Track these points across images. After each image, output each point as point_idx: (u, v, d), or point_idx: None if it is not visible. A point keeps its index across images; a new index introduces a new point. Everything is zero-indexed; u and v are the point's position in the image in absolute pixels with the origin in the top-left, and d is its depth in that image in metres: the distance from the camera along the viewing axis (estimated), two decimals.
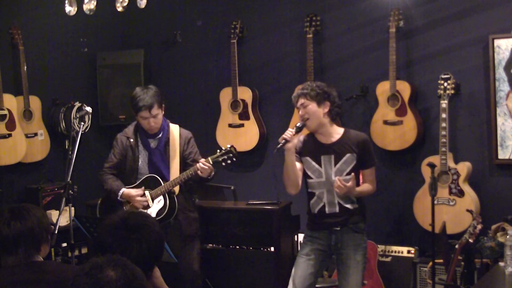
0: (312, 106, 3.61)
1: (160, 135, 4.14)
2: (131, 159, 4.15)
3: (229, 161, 3.92)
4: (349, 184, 3.53)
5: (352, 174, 3.57)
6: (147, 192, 4.06)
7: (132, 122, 4.28)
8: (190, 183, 4.23)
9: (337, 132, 3.69)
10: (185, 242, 4.14)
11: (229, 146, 3.93)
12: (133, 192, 4.06)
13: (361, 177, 3.73)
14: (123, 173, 4.19)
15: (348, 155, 3.61)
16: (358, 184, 3.68)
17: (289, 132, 3.57)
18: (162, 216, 3.99)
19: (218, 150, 3.94)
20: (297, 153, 3.69)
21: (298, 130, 3.60)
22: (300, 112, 3.66)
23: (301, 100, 3.64)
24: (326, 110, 3.62)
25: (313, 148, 3.68)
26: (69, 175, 3.84)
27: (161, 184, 4.03)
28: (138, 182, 4.11)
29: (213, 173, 4.00)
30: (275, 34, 5.40)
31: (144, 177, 4.11)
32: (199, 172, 3.92)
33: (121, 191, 4.07)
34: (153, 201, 4.04)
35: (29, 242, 2.47)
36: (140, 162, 4.15)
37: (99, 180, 4.22)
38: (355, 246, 3.64)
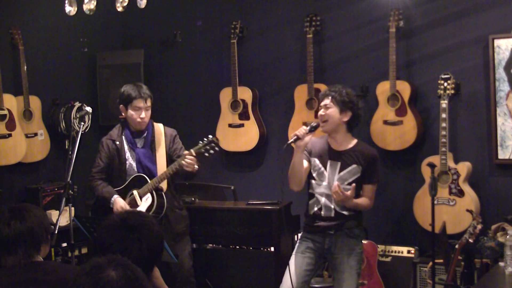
0: (334, 110, 3.62)
1: (145, 134, 4.16)
2: (117, 161, 4.15)
3: (211, 151, 3.88)
4: (348, 193, 3.53)
5: (353, 184, 3.57)
6: (135, 191, 4.07)
7: (116, 125, 4.28)
8: (175, 182, 4.23)
9: (350, 142, 3.70)
10: (175, 240, 4.15)
11: (211, 136, 3.91)
12: (121, 204, 4.04)
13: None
14: (111, 176, 4.19)
15: (354, 165, 3.62)
16: (358, 197, 3.68)
17: (303, 130, 3.56)
18: (150, 213, 3.97)
19: (200, 142, 3.93)
20: (307, 152, 3.70)
21: (312, 129, 3.61)
22: (320, 112, 3.67)
23: (326, 100, 3.65)
24: (346, 119, 3.63)
25: (322, 151, 3.70)
26: (69, 175, 3.83)
27: (148, 182, 4.04)
28: (126, 183, 4.12)
29: (196, 166, 3.95)
30: (275, 34, 5.40)
31: (132, 177, 4.11)
32: (184, 165, 3.87)
33: (112, 199, 4.07)
34: (141, 199, 4.04)
35: (29, 242, 2.47)
36: (128, 164, 4.15)
37: (89, 187, 4.22)
38: (349, 251, 3.63)
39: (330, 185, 3.63)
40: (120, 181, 4.15)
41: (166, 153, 4.15)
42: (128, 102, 4.08)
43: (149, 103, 4.09)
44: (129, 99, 4.07)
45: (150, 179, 4.04)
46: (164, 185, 4.08)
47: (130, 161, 4.15)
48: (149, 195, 4.04)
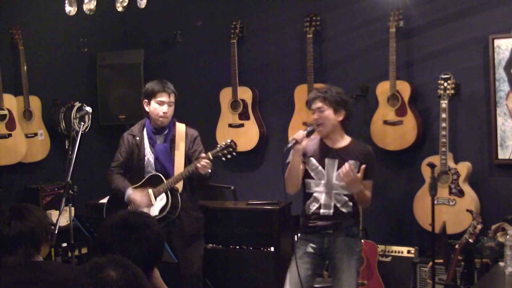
0: (329, 112, 3.59)
1: (166, 132, 4.15)
2: (137, 157, 4.14)
3: (229, 156, 3.89)
4: (358, 174, 3.51)
5: (363, 166, 3.54)
6: (150, 191, 4.05)
7: (138, 122, 4.28)
8: (194, 183, 4.22)
9: (345, 139, 3.70)
10: (188, 242, 4.12)
11: (229, 140, 3.92)
12: (138, 200, 4.03)
13: None
14: (130, 171, 4.19)
15: (352, 161, 3.61)
16: None
17: (301, 134, 3.56)
18: (164, 213, 3.97)
19: (218, 146, 3.94)
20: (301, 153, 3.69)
21: (310, 133, 3.61)
22: (314, 116, 3.63)
23: (319, 104, 3.60)
24: (341, 118, 3.61)
25: (319, 150, 3.68)
26: (69, 175, 3.83)
27: (164, 182, 4.03)
28: (142, 181, 4.11)
29: (209, 171, 3.96)
30: (275, 34, 5.40)
31: (149, 175, 4.11)
32: (199, 168, 3.88)
33: (127, 194, 4.05)
34: (155, 199, 4.04)
35: (29, 242, 2.47)
36: (146, 160, 4.14)
37: (106, 179, 4.21)
38: (348, 250, 3.62)
39: (330, 183, 3.62)
40: (137, 177, 4.13)
41: (185, 153, 4.14)
42: (152, 95, 4.05)
43: (172, 99, 4.07)
44: (153, 93, 4.05)
45: (165, 178, 4.02)
46: (179, 185, 4.07)
47: (149, 157, 4.13)
48: (163, 195, 4.02)
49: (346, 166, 3.51)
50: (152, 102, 4.07)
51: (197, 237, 4.21)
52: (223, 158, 3.91)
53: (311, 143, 3.72)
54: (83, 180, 5.31)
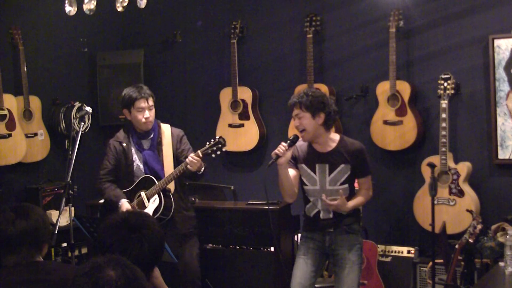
0: (307, 117, 3.55)
1: (152, 136, 4.16)
2: (124, 163, 4.16)
3: (218, 152, 3.90)
4: (336, 202, 3.54)
5: (340, 191, 3.57)
6: (142, 193, 4.08)
7: (122, 127, 4.29)
8: (186, 184, 4.23)
9: (333, 140, 3.66)
10: (182, 241, 4.15)
11: (217, 137, 3.93)
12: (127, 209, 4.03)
13: (356, 184, 3.74)
14: (118, 177, 4.20)
15: (342, 165, 3.59)
16: (353, 192, 3.68)
17: (282, 147, 3.54)
18: (158, 214, 3.99)
19: (208, 143, 3.94)
20: (293, 160, 3.68)
21: (292, 143, 3.59)
22: (295, 123, 3.63)
23: (296, 111, 3.59)
24: (321, 121, 3.56)
25: (308, 156, 3.67)
26: (69, 175, 3.83)
27: (156, 183, 4.04)
28: (134, 185, 4.12)
29: (203, 168, 3.98)
30: (275, 34, 5.40)
31: (139, 178, 4.12)
32: (188, 166, 3.91)
33: (120, 203, 4.06)
34: (148, 201, 4.05)
35: (32, 241, 2.48)
36: (135, 166, 4.15)
37: (97, 188, 4.22)
38: (350, 247, 3.63)
39: (323, 188, 3.62)
40: (127, 182, 4.16)
41: (173, 154, 4.15)
42: (130, 104, 4.08)
43: (151, 102, 4.10)
44: (130, 101, 4.07)
45: (157, 180, 4.05)
46: (171, 186, 4.09)
47: (137, 162, 4.16)
48: (156, 196, 4.04)
49: (325, 202, 3.55)
50: (132, 111, 4.09)
51: (190, 236, 4.24)
52: (213, 155, 3.91)
53: (302, 149, 3.70)
54: (83, 180, 5.30)
